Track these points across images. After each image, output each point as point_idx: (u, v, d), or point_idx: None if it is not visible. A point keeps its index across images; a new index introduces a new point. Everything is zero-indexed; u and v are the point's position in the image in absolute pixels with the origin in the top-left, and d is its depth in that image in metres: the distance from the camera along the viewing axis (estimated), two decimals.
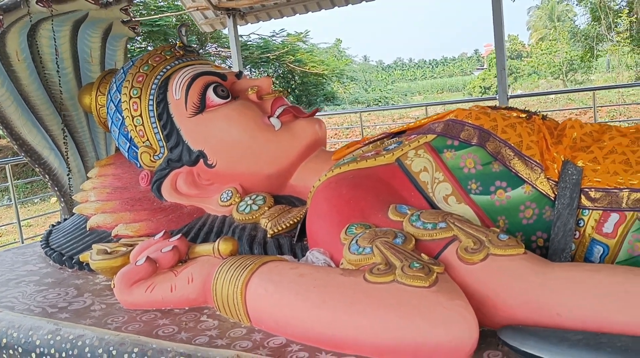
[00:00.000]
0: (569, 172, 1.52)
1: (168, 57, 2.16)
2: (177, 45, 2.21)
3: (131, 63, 2.20)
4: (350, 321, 1.18)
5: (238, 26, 6.72)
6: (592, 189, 1.48)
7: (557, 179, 1.53)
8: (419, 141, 1.67)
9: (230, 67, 7.43)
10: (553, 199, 1.51)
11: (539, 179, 1.54)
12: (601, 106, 12.04)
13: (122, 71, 2.21)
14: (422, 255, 1.28)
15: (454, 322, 1.12)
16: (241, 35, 16.25)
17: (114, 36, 2.78)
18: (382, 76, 41.76)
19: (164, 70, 2.11)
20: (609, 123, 1.79)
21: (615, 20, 17.79)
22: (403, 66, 59.76)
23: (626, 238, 1.42)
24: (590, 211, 1.47)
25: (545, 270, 1.23)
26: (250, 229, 1.82)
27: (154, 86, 2.08)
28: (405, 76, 49.47)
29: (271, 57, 16.97)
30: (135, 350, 1.30)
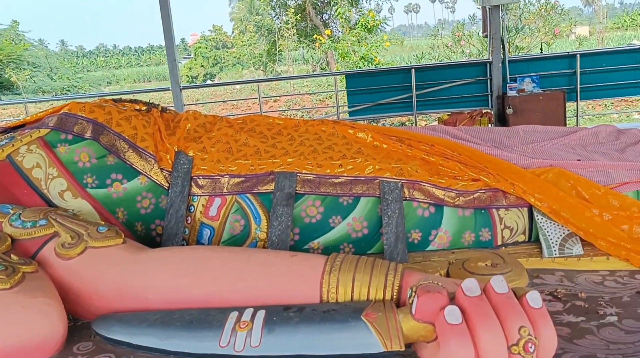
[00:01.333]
0: (181, 162, 1.63)
1: None
2: None
3: None
4: None
5: None
6: (200, 177, 1.62)
7: (170, 169, 1.62)
8: (31, 136, 1.60)
9: None
10: (167, 188, 1.60)
11: (153, 170, 1.61)
12: (277, 97, 13.58)
13: None
14: (12, 255, 1.23)
15: (34, 321, 1.11)
16: None
17: None
18: (82, 62, 38.90)
19: None
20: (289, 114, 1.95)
21: (288, 18, 19.49)
22: (107, 52, 56.74)
23: (228, 219, 1.59)
24: (199, 197, 1.60)
25: (138, 256, 1.29)
26: None
27: None
28: (109, 64, 46.99)
29: None
30: None
